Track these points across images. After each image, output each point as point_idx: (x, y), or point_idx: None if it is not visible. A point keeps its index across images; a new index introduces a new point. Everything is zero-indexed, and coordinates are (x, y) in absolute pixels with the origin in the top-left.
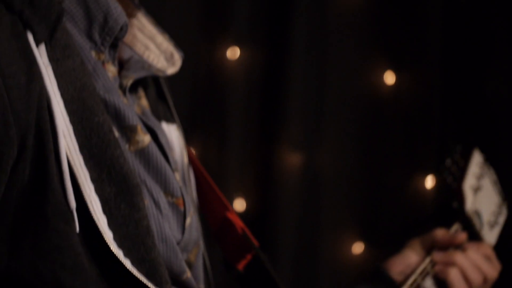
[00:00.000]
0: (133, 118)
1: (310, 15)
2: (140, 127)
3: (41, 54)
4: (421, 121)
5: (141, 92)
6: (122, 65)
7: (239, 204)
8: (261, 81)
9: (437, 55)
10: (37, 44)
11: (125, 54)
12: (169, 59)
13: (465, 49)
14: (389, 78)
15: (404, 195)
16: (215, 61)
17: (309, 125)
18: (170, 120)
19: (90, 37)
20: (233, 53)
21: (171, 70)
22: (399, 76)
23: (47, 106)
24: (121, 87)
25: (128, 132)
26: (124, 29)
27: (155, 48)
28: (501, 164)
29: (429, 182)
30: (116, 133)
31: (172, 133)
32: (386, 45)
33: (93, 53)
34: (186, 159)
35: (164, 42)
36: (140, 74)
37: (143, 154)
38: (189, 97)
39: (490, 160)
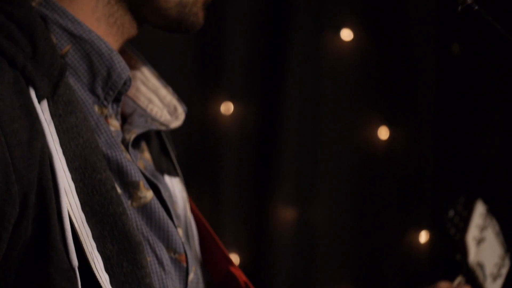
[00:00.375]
0: (135, 174)
1: (303, 71)
2: (142, 183)
3: (43, 111)
4: (414, 176)
5: (144, 146)
6: (125, 118)
7: (233, 259)
8: (255, 136)
9: (430, 110)
10: (40, 100)
11: (128, 107)
12: (173, 112)
13: (458, 104)
14: (383, 133)
15: (398, 250)
16: (209, 116)
17: (303, 179)
18: (173, 173)
19: (93, 91)
20: (227, 108)
21: (175, 124)
22: (393, 131)
23: (49, 164)
24: (124, 142)
25: (131, 188)
26: (127, 84)
27: (159, 102)
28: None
29: (423, 237)
30: (119, 189)
31: (175, 186)
32: (380, 101)
33: (96, 108)
34: (189, 213)
35: (167, 95)
36: (143, 128)
37: (145, 210)
38: (183, 151)
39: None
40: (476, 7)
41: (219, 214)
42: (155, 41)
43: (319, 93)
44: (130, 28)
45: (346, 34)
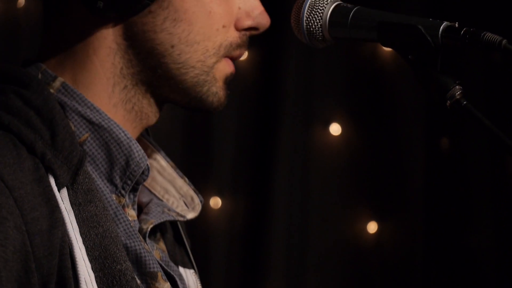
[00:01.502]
0: (154, 265)
1: (292, 165)
2: (160, 275)
3: (63, 199)
4: (404, 269)
5: (159, 236)
6: (140, 207)
7: None
8: (243, 230)
9: (419, 204)
10: (59, 188)
11: (144, 196)
12: (190, 203)
13: (447, 199)
14: (372, 227)
15: None
16: None
17: (292, 273)
18: (187, 265)
19: (110, 180)
20: (215, 203)
21: (191, 214)
22: (382, 225)
23: (69, 253)
24: (141, 232)
25: (149, 279)
26: (145, 173)
27: (175, 192)
28: None
29: None
30: (137, 280)
31: (189, 278)
32: (369, 195)
33: (113, 197)
34: None
35: (184, 185)
36: (160, 219)
37: None
38: None
39: None
40: (465, 102)
41: None
42: None
43: (308, 187)
44: (149, 113)
45: (335, 129)
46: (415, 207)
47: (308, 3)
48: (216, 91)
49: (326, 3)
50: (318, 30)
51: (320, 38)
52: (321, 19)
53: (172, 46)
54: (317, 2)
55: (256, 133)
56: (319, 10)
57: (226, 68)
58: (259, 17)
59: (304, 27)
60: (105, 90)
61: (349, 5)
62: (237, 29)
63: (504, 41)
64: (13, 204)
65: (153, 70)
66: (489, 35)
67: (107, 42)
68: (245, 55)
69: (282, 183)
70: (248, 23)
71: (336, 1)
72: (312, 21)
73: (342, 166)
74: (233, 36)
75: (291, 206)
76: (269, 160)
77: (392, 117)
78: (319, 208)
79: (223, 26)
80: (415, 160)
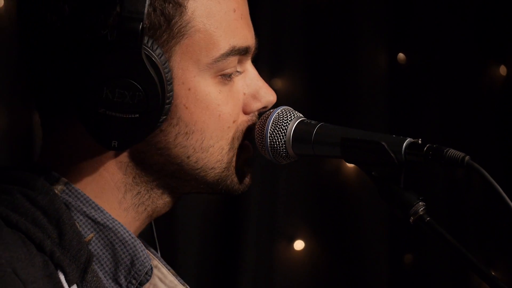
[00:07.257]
0: None
1: (255, 281)
2: None
3: None
4: None
5: None
6: None
7: None
8: None
9: None
10: (69, 285)
11: None
12: None
13: None
14: None
15: None
16: None
17: None
18: None
19: (115, 280)
20: None
21: None
22: None
23: None
24: None
25: None
26: (149, 273)
27: None
28: None
29: None
30: None
31: None
32: None
33: None
34: None
35: None
36: None
37: None
38: None
39: None
40: (428, 218)
41: None
42: None
43: None
44: (161, 210)
45: (299, 245)
46: None
47: (271, 120)
48: (238, 179)
49: (289, 119)
50: (282, 147)
51: (284, 154)
52: (285, 135)
53: (188, 157)
54: (281, 118)
55: (219, 250)
56: (282, 127)
57: (243, 154)
58: (266, 96)
59: (268, 143)
60: (115, 196)
61: (312, 122)
62: (246, 113)
63: (467, 158)
64: None
65: (170, 176)
66: (452, 151)
67: (119, 158)
68: None
69: None
70: (256, 106)
71: (300, 118)
72: (275, 138)
73: (306, 281)
74: (243, 123)
75: None
76: (234, 276)
77: (355, 233)
78: None
79: (233, 122)
80: (378, 276)
